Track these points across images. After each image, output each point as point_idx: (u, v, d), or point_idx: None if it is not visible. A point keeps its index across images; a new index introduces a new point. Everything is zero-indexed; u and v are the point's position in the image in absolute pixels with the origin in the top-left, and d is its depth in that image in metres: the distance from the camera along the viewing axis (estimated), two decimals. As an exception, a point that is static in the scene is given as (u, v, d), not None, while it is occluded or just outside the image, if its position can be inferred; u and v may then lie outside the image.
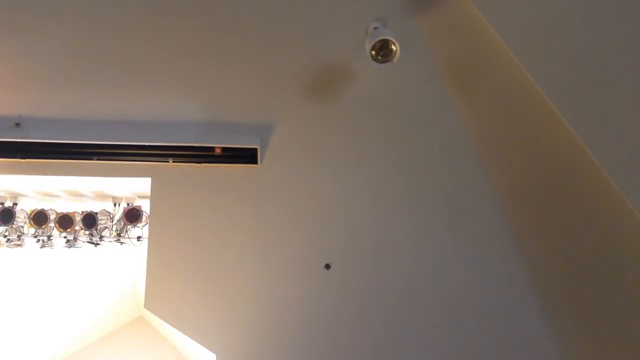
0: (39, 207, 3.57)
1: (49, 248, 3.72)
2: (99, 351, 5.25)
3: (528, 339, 3.44)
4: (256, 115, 3.13)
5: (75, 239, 3.65)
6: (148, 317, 5.42)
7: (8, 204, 3.64)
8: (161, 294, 3.45)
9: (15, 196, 3.77)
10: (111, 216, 3.68)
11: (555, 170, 2.82)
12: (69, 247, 3.68)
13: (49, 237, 3.64)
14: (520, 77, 2.49)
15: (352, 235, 3.39)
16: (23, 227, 3.57)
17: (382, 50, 2.57)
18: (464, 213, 3.32)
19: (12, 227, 3.49)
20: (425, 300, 3.48)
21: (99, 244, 3.68)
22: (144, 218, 3.58)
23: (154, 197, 3.26)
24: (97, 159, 3.06)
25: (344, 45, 2.85)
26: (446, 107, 3.06)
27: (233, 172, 3.20)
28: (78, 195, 3.83)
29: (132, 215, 3.56)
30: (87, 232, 3.61)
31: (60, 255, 4.16)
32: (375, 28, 2.66)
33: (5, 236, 3.58)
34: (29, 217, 3.53)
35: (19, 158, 3.00)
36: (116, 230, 3.67)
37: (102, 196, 3.84)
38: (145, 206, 3.59)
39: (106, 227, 3.65)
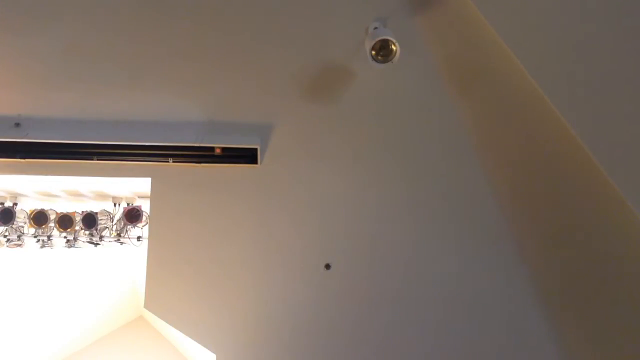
0: (39, 207, 3.57)
1: (49, 248, 3.72)
2: (99, 351, 5.24)
3: (528, 339, 3.44)
4: (256, 115, 3.13)
5: (75, 239, 3.65)
6: (148, 317, 5.42)
7: (8, 204, 3.63)
8: (161, 294, 3.45)
9: (15, 196, 3.76)
10: (111, 216, 3.67)
11: (555, 170, 2.82)
12: (69, 247, 3.68)
13: (49, 237, 3.64)
14: (520, 77, 2.50)
15: (352, 235, 3.39)
16: (23, 227, 3.57)
17: (382, 50, 2.57)
18: (464, 213, 3.32)
19: (12, 227, 3.49)
20: (425, 300, 3.48)
21: (99, 244, 3.68)
22: (144, 218, 3.58)
23: (154, 197, 3.26)
24: (97, 159, 3.06)
25: (344, 45, 2.85)
26: (446, 107, 3.06)
27: (233, 172, 3.20)
28: (78, 195, 3.83)
29: (132, 215, 3.55)
30: (87, 232, 3.61)
31: (60, 255, 4.16)
32: (375, 28, 2.66)
33: (5, 236, 3.58)
34: (29, 217, 3.53)
35: (19, 158, 2.99)
36: (116, 230, 3.67)
37: (102, 196, 3.84)
38: (145, 206, 3.59)
39: (106, 227, 3.65)
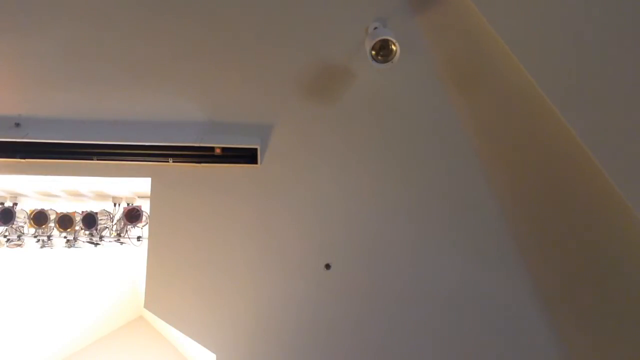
0: (39, 207, 3.57)
1: (49, 248, 3.72)
2: (99, 351, 5.25)
3: (528, 339, 3.44)
4: (256, 115, 3.13)
5: (75, 239, 3.65)
6: (148, 317, 5.42)
7: (8, 204, 3.64)
8: (161, 294, 3.45)
9: (15, 196, 3.77)
10: (111, 216, 3.68)
11: (555, 170, 2.82)
12: (69, 247, 3.68)
13: (49, 237, 3.64)
14: (520, 77, 2.50)
15: (352, 235, 3.39)
16: (23, 227, 3.57)
17: (382, 50, 2.57)
18: (464, 213, 3.32)
19: (12, 227, 3.49)
20: (425, 300, 3.48)
21: (99, 244, 3.68)
22: (144, 218, 3.58)
23: (154, 197, 3.26)
24: (97, 159, 3.06)
25: (344, 45, 2.85)
26: (446, 107, 3.06)
27: (233, 172, 3.20)
28: (78, 195, 3.83)
29: (132, 215, 3.55)
30: (87, 232, 3.61)
31: (60, 255, 4.16)
32: (375, 28, 2.66)
33: (5, 236, 3.58)
34: (29, 217, 3.53)
35: (19, 158, 2.99)
36: (116, 230, 3.67)
37: (102, 196, 3.84)
38: (145, 206, 3.59)
39: (106, 227, 3.65)
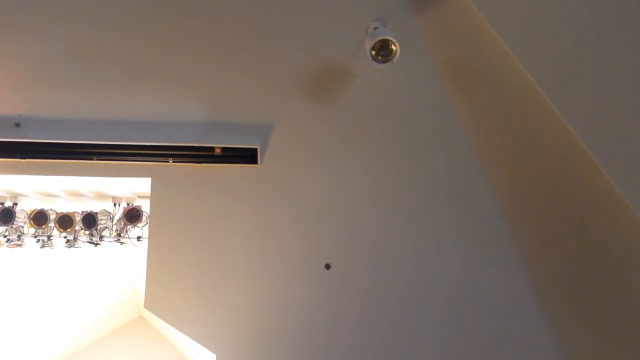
0: (39, 207, 3.57)
1: (49, 248, 3.72)
2: (99, 351, 5.25)
3: (528, 339, 3.44)
4: (256, 115, 3.13)
5: (75, 239, 3.65)
6: (148, 317, 5.42)
7: (8, 204, 3.64)
8: (161, 294, 3.45)
9: (15, 196, 3.77)
10: (111, 216, 3.67)
11: (555, 170, 2.82)
12: (69, 247, 3.68)
13: (49, 237, 3.64)
14: (520, 77, 2.50)
15: (352, 235, 3.39)
16: (23, 227, 3.57)
17: (382, 50, 2.57)
18: (463, 213, 3.32)
19: (12, 227, 3.49)
20: (425, 300, 3.48)
21: (99, 244, 3.68)
22: (144, 218, 3.58)
23: (154, 197, 3.26)
24: (97, 159, 3.06)
25: (344, 45, 2.85)
26: (446, 107, 3.06)
27: (233, 172, 3.20)
28: (78, 195, 3.83)
29: (132, 215, 3.55)
30: (87, 232, 3.61)
31: (60, 255, 4.16)
32: (375, 28, 2.66)
33: (5, 236, 3.58)
34: (29, 217, 3.53)
35: (19, 158, 3.00)
36: (116, 230, 3.67)
37: (102, 196, 3.84)
38: (145, 206, 3.59)
39: (106, 227, 3.65)
